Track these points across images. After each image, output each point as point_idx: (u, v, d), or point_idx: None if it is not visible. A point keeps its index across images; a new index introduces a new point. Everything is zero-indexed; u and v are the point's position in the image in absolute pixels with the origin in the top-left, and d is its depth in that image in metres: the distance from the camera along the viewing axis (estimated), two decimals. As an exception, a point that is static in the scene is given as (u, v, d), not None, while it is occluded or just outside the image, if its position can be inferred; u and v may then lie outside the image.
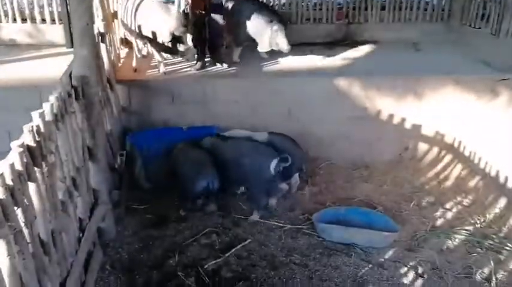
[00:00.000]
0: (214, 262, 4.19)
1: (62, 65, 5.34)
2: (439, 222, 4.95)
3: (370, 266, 4.22)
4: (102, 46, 5.07)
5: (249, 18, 6.19)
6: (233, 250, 4.34)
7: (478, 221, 4.92)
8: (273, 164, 4.74)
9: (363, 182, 5.74)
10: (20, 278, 2.44)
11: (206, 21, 6.03)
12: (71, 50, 4.35)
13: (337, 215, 4.77)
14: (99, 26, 5.04)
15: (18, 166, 2.49)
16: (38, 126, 2.81)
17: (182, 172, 4.97)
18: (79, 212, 3.69)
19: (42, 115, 2.92)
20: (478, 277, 4.12)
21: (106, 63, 5.11)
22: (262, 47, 6.31)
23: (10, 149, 2.52)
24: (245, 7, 6.28)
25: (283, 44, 6.01)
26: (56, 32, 6.86)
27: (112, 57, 5.61)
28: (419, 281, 4.06)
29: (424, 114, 6.06)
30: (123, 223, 4.67)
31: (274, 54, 6.48)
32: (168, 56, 6.02)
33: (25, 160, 2.58)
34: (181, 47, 5.73)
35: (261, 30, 6.14)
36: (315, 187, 5.56)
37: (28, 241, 2.53)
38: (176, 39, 5.64)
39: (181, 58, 6.10)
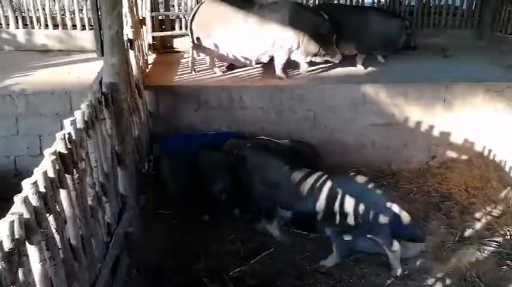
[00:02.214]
0: (239, 269, 4.21)
1: (91, 71, 5.44)
2: (467, 232, 4.86)
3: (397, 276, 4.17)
4: (131, 52, 5.14)
5: (379, 25, 6.36)
6: (258, 257, 4.36)
7: (507, 233, 4.82)
8: None
9: (389, 190, 5.67)
10: (51, 283, 2.50)
11: None
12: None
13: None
14: (128, 32, 5.11)
15: (51, 173, 2.54)
16: (69, 133, 2.86)
17: (201, 175, 5.04)
18: (107, 217, 3.74)
19: (74, 123, 2.98)
20: (508, 290, 4.03)
21: (134, 69, 5.18)
22: (393, 51, 6.53)
23: (41, 153, 2.57)
24: (371, 15, 6.49)
25: (415, 44, 6.55)
26: (86, 38, 6.99)
27: (140, 64, 5.68)
28: (447, 293, 4.00)
29: (452, 122, 5.97)
30: (149, 227, 4.72)
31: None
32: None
33: (57, 167, 2.63)
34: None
35: (396, 34, 6.37)
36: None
37: (59, 246, 2.59)
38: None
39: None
